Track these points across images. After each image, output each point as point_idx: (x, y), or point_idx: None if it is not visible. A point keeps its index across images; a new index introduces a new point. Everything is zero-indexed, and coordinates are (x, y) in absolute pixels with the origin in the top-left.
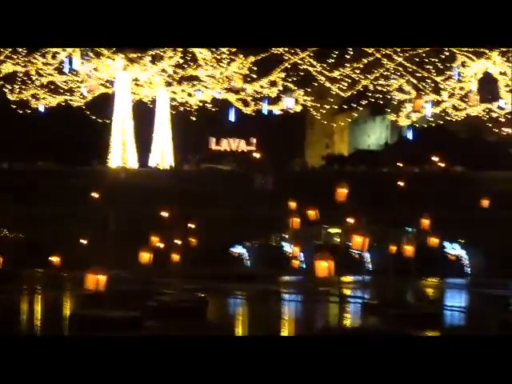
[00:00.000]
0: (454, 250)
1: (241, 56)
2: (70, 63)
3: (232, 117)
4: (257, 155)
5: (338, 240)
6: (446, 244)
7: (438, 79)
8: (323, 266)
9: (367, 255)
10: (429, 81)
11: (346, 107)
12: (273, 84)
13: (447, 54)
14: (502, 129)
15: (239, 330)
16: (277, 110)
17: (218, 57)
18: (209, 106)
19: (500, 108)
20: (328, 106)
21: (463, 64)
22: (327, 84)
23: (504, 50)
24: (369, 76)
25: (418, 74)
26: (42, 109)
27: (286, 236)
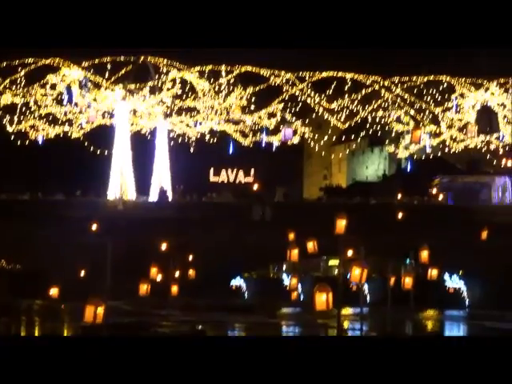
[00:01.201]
0: (453, 281)
1: (239, 87)
2: (69, 94)
3: (230, 148)
4: (255, 186)
5: (337, 272)
6: (445, 275)
7: (437, 110)
8: (322, 299)
9: (366, 287)
10: (427, 112)
11: (344, 138)
12: (271, 115)
13: (445, 84)
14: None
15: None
16: (275, 141)
17: (217, 88)
18: (207, 136)
19: (498, 139)
20: (326, 137)
21: (462, 95)
22: (325, 115)
23: (502, 81)
24: (367, 107)
25: (416, 105)
26: (40, 140)
27: (284, 267)
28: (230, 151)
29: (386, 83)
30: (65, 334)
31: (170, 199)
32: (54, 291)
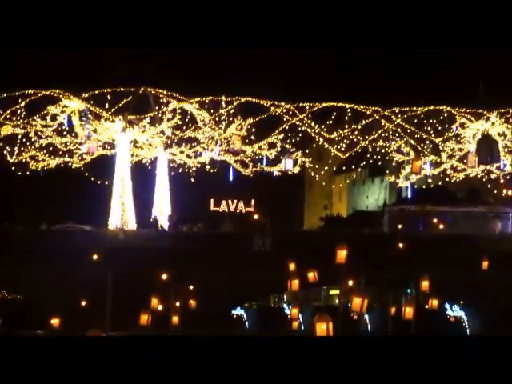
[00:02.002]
0: (454, 311)
1: (239, 118)
2: (70, 124)
3: (231, 178)
4: (256, 216)
5: (338, 301)
6: (446, 306)
7: (437, 140)
8: (323, 328)
9: (366, 316)
10: (427, 142)
11: (344, 168)
12: (271, 145)
13: (446, 115)
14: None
15: None
16: (276, 171)
17: (217, 118)
18: (208, 167)
19: (499, 169)
20: (327, 167)
21: (462, 125)
22: (326, 145)
23: (503, 110)
24: (367, 137)
25: (416, 136)
26: (41, 170)
27: (285, 297)
28: (231, 181)
29: (387, 113)
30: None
31: (166, 229)
32: (54, 321)
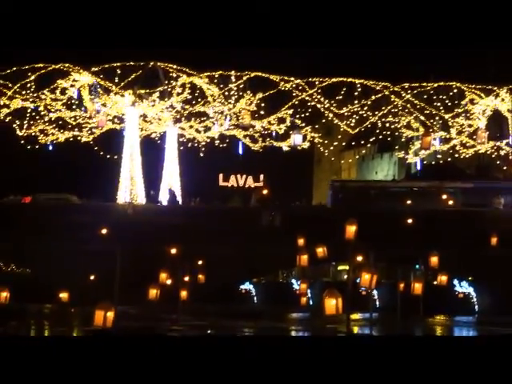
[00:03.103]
0: (462, 287)
1: (249, 92)
2: (79, 98)
3: (240, 153)
4: (264, 192)
5: (346, 277)
6: (455, 281)
7: (447, 116)
8: (331, 303)
9: (375, 292)
10: (437, 118)
11: (353, 144)
12: (281, 121)
13: (455, 91)
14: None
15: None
16: (285, 146)
17: (227, 93)
18: (217, 142)
19: (508, 145)
20: (336, 143)
21: (472, 101)
22: (335, 121)
23: None
24: (377, 113)
25: (426, 111)
26: (50, 144)
27: (294, 272)
28: (240, 156)
29: (396, 89)
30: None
31: (180, 202)
32: (63, 295)
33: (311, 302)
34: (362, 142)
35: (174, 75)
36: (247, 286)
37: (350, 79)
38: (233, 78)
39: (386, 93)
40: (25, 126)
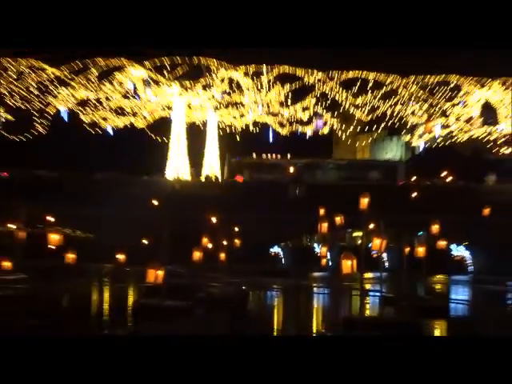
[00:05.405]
0: (459, 251)
1: (278, 84)
2: (134, 90)
3: (270, 136)
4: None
5: (360, 242)
6: (453, 246)
7: (446, 105)
8: (348, 264)
9: (384, 255)
10: (438, 107)
11: (367, 129)
12: (305, 109)
13: (454, 83)
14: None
15: (274, 317)
16: (309, 130)
17: (259, 85)
18: (251, 127)
19: (498, 130)
20: (352, 128)
21: (468, 92)
22: (351, 109)
23: (504, 79)
24: (387, 102)
25: (428, 101)
26: (109, 129)
27: (315, 238)
28: (270, 139)
29: (403, 82)
30: (130, 294)
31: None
32: (120, 256)
33: (330, 263)
34: (374, 127)
35: (215, 69)
36: (276, 249)
37: (363, 74)
38: (264, 72)
39: (395, 85)
40: (89, 113)
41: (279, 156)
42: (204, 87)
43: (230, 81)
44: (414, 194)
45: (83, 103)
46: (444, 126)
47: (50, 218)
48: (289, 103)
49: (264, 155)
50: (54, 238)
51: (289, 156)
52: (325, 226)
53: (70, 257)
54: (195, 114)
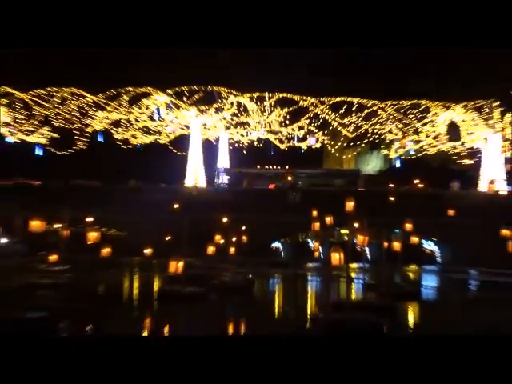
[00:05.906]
0: (429, 246)
1: (278, 108)
2: (158, 112)
3: (271, 151)
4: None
5: (347, 238)
6: (424, 241)
7: (417, 125)
8: (336, 257)
9: (367, 249)
10: (411, 126)
11: (352, 144)
12: (300, 128)
13: (424, 106)
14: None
15: (276, 300)
16: (303, 146)
17: (262, 108)
18: (255, 143)
19: (462, 145)
20: (339, 144)
21: (435, 114)
22: (339, 128)
23: (465, 103)
24: (368, 122)
25: (403, 121)
26: (138, 145)
27: (309, 235)
28: (272, 153)
29: (382, 105)
30: (156, 282)
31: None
32: (147, 251)
33: (322, 256)
34: (358, 143)
35: (225, 95)
36: (277, 244)
37: (349, 98)
38: (266, 98)
39: (375, 108)
40: (121, 132)
41: (275, 166)
42: (216, 110)
43: (238, 105)
44: (391, 199)
45: (116, 124)
46: (416, 142)
47: (89, 219)
48: (287, 123)
49: (266, 166)
50: (93, 236)
51: (275, 167)
52: (317, 225)
53: (106, 251)
54: (209, 132)
